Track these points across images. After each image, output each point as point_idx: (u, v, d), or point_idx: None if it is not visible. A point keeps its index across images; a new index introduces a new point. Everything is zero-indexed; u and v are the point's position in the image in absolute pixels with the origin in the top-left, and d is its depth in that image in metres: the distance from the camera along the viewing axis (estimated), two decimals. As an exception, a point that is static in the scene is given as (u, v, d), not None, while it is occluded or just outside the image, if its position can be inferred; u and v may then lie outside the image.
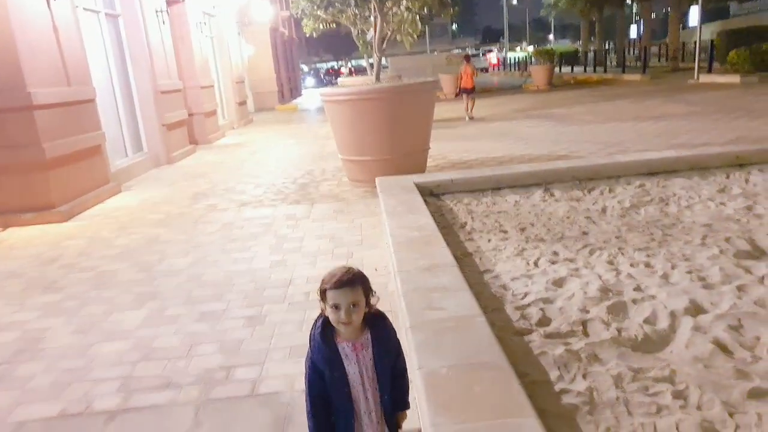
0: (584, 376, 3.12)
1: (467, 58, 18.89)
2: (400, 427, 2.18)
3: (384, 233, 5.75)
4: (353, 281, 1.91)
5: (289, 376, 3.35)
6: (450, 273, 4.03)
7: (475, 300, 3.60)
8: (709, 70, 25.10)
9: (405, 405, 2.15)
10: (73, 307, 4.75)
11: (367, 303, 1.97)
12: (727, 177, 7.18)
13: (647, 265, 4.60)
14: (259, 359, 3.61)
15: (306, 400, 2.03)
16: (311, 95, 40.63)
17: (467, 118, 17.70)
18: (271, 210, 7.71)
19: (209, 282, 5.09)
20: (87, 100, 9.10)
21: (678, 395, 2.85)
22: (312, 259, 5.52)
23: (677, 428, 2.58)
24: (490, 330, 3.19)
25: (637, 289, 4.15)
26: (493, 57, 65.18)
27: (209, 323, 4.21)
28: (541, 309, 3.94)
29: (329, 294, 1.91)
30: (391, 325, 2.08)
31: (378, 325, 2.03)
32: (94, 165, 9.17)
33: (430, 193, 7.28)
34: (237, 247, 6.12)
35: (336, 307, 1.90)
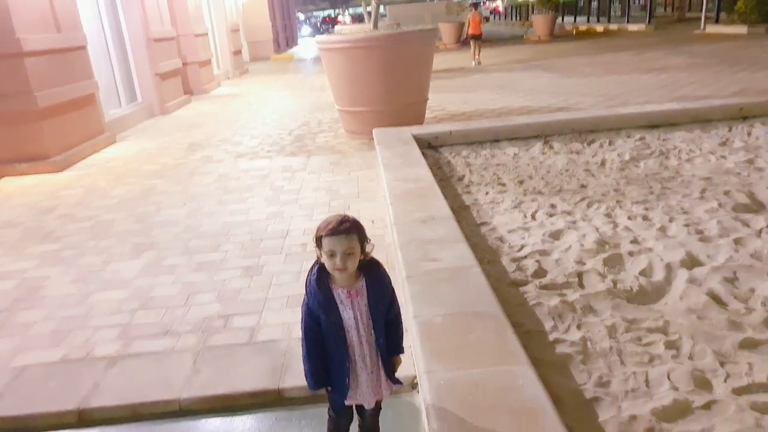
0: (578, 327, 3.16)
1: (475, 5, 19.52)
2: (395, 371, 2.22)
3: (381, 186, 5.72)
4: (348, 229, 1.90)
5: (286, 325, 3.38)
6: (446, 225, 4.02)
7: (471, 251, 3.61)
8: (716, 20, 24.54)
9: (399, 350, 2.18)
10: (71, 256, 4.76)
11: (362, 250, 1.97)
12: (730, 130, 7.12)
13: (645, 218, 4.61)
14: (257, 308, 3.63)
15: (302, 345, 2.06)
16: (307, 45, 39.81)
17: (474, 64, 18.08)
18: (267, 161, 7.65)
19: (206, 233, 5.09)
20: (78, 47, 8.88)
21: (671, 345, 2.89)
22: (308, 211, 5.51)
23: (669, 377, 2.63)
24: (485, 280, 3.22)
25: (634, 241, 4.16)
26: (499, 3, 63.91)
27: (207, 273, 4.23)
28: (537, 261, 3.96)
29: (324, 241, 1.91)
30: (385, 272, 2.09)
31: (373, 273, 2.04)
32: (88, 115, 9.03)
33: (428, 146, 7.22)
34: (233, 198, 6.10)
35: (331, 254, 1.90)
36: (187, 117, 12.04)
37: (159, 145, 9.21)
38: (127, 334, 3.44)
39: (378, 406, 2.25)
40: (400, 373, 2.79)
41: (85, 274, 4.39)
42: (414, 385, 2.82)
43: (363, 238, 1.97)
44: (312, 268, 2.02)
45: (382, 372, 2.12)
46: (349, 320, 2.01)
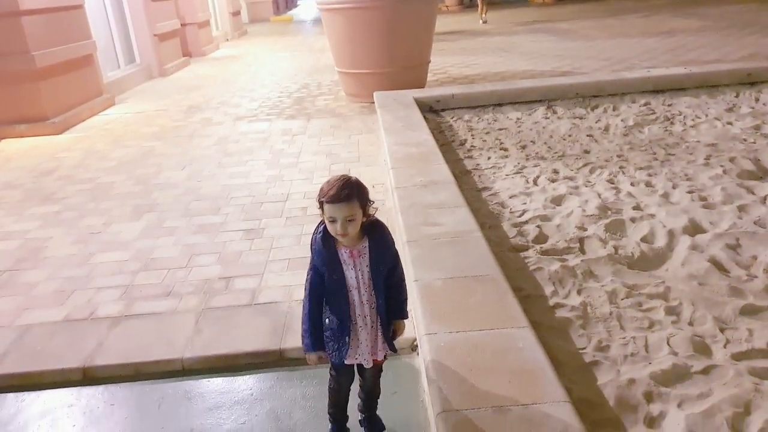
0: (579, 292, 3.17)
1: None
2: (396, 336, 2.22)
3: (382, 150, 5.68)
4: (349, 196, 1.87)
5: (287, 287, 3.39)
6: (448, 190, 4.00)
7: (472, 216, 3.60)
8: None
9: (402, 314, 2.18)
10: (72, 218, 4.75)
11: (365, 213, 1.95)
12: (737, 95, 7.02)
13: (648, 184, 4.58)
14: (258, 270, 3.64)
15: (304, 303, 2.06)
16: (308, 6, 39.03)
17: (481, 22, 18.52)
18: (267, 124, 7.57)
19: (206, 195, 5.07)
20: (75, 6, 8.70)
21: (671, 311, 2.91)
22: (308, 174, 5.47)
23: (668, 342, 2.64)
24: (486, 245, 3.21)
25: (637, 207, 4.14)
26: None
27: (207, 235, 4.23)
28: (539, 226, 3.95)
29: (326, 207, 1.89)
30: (389, 234, 2.08)
31: (376, 235, 2.02)
32: (86, 76, 8.90)
33: (429, 109, 7.14)
34: (233, 161, 6.06)
35: (332, 220, 1.89)
36: (185, 79, 11.89)
37: (158, 107, 9.11)
38: (129, 295, 3.46)
39: (379, 368, 2.26)
40: (401, 337, 2.81)
41: (86, 235, 4.39)
42: (414, 347, 2.84)
43: (365, 202, 1.94)
44: (318, 227, 2.02)
45: (380, 334, 2.13)
46: (351, 279, 2.02)
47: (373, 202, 1.99)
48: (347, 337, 2.06)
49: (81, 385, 2.79)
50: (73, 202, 5.11)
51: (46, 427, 2.54)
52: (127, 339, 3.02)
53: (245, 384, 2.71)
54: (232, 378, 2.75)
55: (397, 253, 2.13)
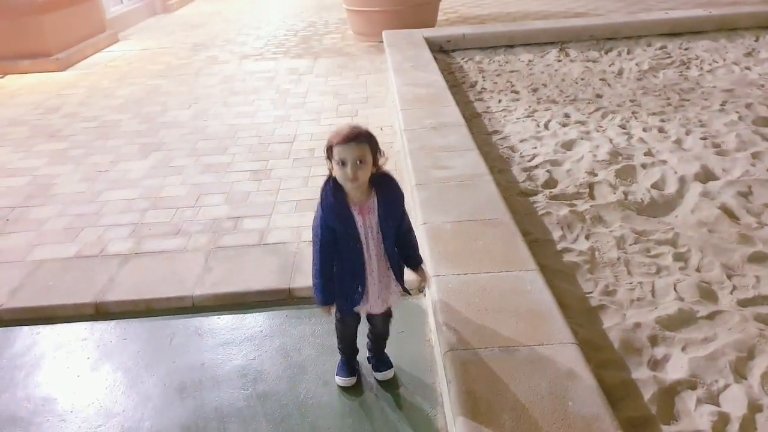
0: (587, 237, 3.17)
1: None
2: (425, 280, 2.20)
3: (390, 91, 5.57)
4: (360, 137, 1.83)
5: (295, 228, 3.40)
6: (458, 132, 3.95)
7: (482, 159, 3.57)
8: None
9: (417, 260, 2.17)
10: (80, 155, 4.73)
11: (375, 162, 1.90)
12: (756, 39, 6.81)
13: (661, 129, 4.51)
14: (266, 211, 3.64)
15: (314, 260, 2.04)
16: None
17: None
18: (273, 63, 7.42)
19: (213, 135, 5.02)
20: (74, -64, 8.40)
21: (679, 257, 2.91)
22: (316, 115, 5.40)
23: (675, 288, 2.66)
24: (495, 188, 3.19)
25: (648, 153, 4.09)
26: None
27: (215, 175, 4.21)
28: (548, 171, 3.92)
29: (335, 150, 1.84)
30: (398, 187, 2.02)
31: (384, 188, 1.97)
32: (89, 11, 8.69)
33: (439, 49, 6.97)
34: (239, 100, 5.97)
35: (342, 162, 1.84)
36: (189, 16, 11.59)
37: (162, 45, 8.92)
38: (138, 233, 3.48)
39: (388, 313, 2.25)
40: (407, 277, 2.80)
41: (94, 173, 4.38)
42: (421, 289, 2.87)
43: (375, 149, 1.89)
44: (325, 184, 1.96)
45: (392, 280, 2.11)
46: (361, 235, 1.98)
47: (384, 153, 1.93)
48: (360, 287, 2.05)
49: (93, 320, 2.84)
50: (80, 140, 5.08)
51: (61, 358, 2.61)
52: (138, 276, 3.06)
53: (255, 321, 2.75)
54: (241, 315, 2.79)
55: (404, 206, 2.07)
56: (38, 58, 7.53)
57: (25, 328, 2.81)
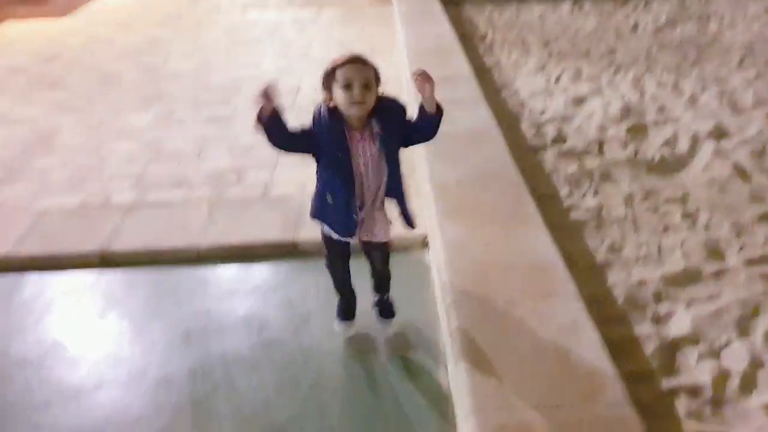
0: (595, 194, 3.13)
1: None
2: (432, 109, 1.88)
3: (398, 43, 5.44)
4: (365, 60, 1.76)
5: (300, 182, 3.36)
6: (467, 86, 3.87)
7: (491, 114, 3.50)
8: None
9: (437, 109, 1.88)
10: (81, 105, 4.67)
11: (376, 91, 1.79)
12: (777, -6, 6.59)
13: (675, 86, 4.41)
14: (270, 164, 3.60)
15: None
16: None
17: None
18: (276, 13, 7.25)
19: (215, 86, 4.94)
20: None
21: (687, 216, 2.88)
22: (320, 66, 5.24)
23: (682, 246, 2.64)
24: (504, 144, 3.14)
25: (661, 110, 4.01)
26: None
27: (218, 127, 4.16)
28: (558, 127, 3.86)
29: (339, 72, 1.72)
30: (398, 103, 1.87)
31: (387, 111, 1.82)
32: (87, -45, 8.46)
33: (449, 1, 6.77)
34: (242, 51, 5.85)
35: (347, 84, 1.71)
36: (192, -38, 11.26)
37: (164, -8, 8.71)
38: (141, 184, 3.46)
39: (386, 252, 2.16)
40: (408, 232, 2.67)
41: (95, 123, 4.33)
42: (425, 244, 2.85)
43: (378, 76, 1.79)
44: (318, 109, 1.83)
45: (383, 211, 2.00)
46: (355, 165, 1.86)
47: (381, 83, 1.81)
48: (354, 214, 1.93)
49: (100, 268, 2.85)
50: (81, 89, 5.01)
51: (69, 305, 2.63)
52: (142, 226, 3.05)
53: (259, 273, 2.76)
54: (246, 266, 2.79)
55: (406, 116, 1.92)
56: (37, 5, 7.38)
57: (33, 275, 2.83)
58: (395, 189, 1.98)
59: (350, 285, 2.32)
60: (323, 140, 1.84)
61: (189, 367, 2.25)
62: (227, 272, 2.78)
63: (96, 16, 7.47)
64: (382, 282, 2.32)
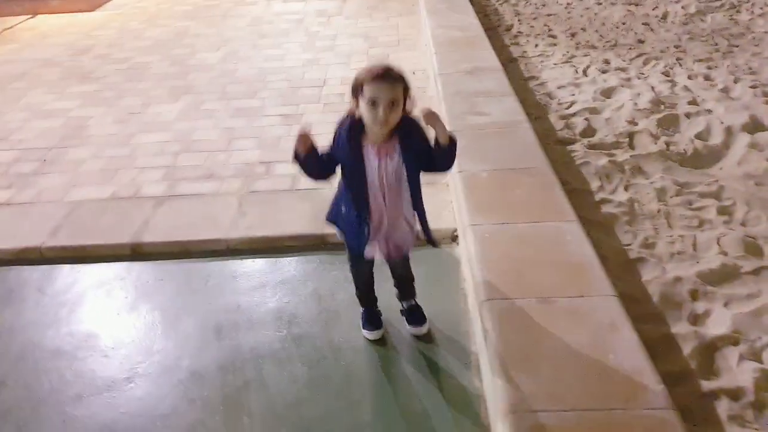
0: (626, 188, 3.08)
1: None
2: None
3: (423, 33, 5.40)
4: (395, 77, 1.70)
5: (327, 174, 3.37)
6: (495, 77, 3.83)
7: (520, 106, 3.46)
8: None
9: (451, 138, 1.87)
10: (111, 97, 4.73)
11: (404, 107, 1.76)
12: (813, -18, 6.39)
13: (707, 77, 4.31)
14: (298, 156, 3.61)
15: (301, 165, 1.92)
16: None
17: None
18: (301, 5, 7.24)
19: (242, 78, 4.96)
20: None
21: (723, 211, 2.82)
22: (345, 59, 5.27)
23: (718, 242, 2.58)
24: (534, 136, 3.11)
25: (693, 102, 3.93)
26: None
27: (246, 119, 4.17)
28: (587, 119, 3.80)
29: (367, 88, 1.69)
30: (423, 131, 1.86)
31: (410, 134, 1.82)
32: (114, -53, 8.53)
33: (474, -9, 6.70)
34: (268, 43, 5.86)
35: (373, 102, 1.68)
36: (216, -47, 11.29)
37: (189, -16, 8.75)
38: (171, 176, 3.49)
39: (405, 257, 2.17)
40: (439, 226, 2.72)
41: (125, 115, 4.38)
42: (454, 238, 2.84)
43: (407, 92, 1.75)
44: (343, 121, 1.83)
45: (408, 227, 2.01)
46: (373, 178, 1.87)
47: (414, 97, 1.79)
48: (366, 229, 1.95)
49: (131, 260, 2.89)
50: (111, 82, 5.07)
51: (101, 296, 2.67)
52: (173, 218, 3.08)
53: (289, 265, 2.77)
54: (275, 259, 2.81)
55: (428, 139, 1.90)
56: (67, -2, 7.48)
57: (66, 266, 2.88)
58: (416, 208, 1.98)
59: (373, 292, 2.31)
60: (341, 156, 1.86)
61: (220, 361, 2.26)
62: (256, 265, 2.80)
63: (126, 9, 7.55)
64: (405, 286, 2.30)
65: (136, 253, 2.92)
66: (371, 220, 1.95)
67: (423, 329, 2.27)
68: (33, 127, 4.29)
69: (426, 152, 1.86)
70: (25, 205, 3.31)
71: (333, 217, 2.10)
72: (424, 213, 2.01)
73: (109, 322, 2.52)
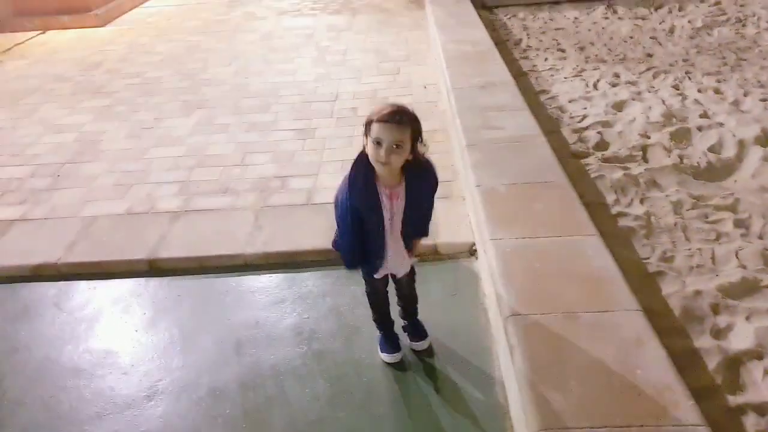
0: (642, 201, 3.08)
1: None
2: (414, 252, 2.16)
3: (433, 48, 5.44)
4: (402, 120, 1.71)
5: (341, 188, 3.38)
6: (508, 91, 3.84)
7: (534, 119, 3.47)
8: None
9: (424, 232, 2.11)
10: (124, 112, 4.76)
11: (413, 149, 1.79)
12: (820, -4, 6.43)
13: (717, 90, 4.32)
14: (312, 171, 3.63)
15: (341, 235, 2.03)
16: None
17: None
18: (312, 20, 7.30)
19: (255, 92, 4.99)
20: None
21: (740, 224, 2.82)
22: (356, 73, 5.30)
23: (737, 255, 2.58)
24: (549, 149, 3.11)
25: (704, 115, 3.93)
26: None
27: (260, 133, 4.19)
28: (599, 132, 3.81)
29: (374, 127, 1.71)
30: (435, 177, 1.93)
31: (419, 178, 1.88)
32: (124, -36, 8.63)
33: (481, 6, 6.75)
34: (279, 57, 5.90)
35: (377, 142, 1.71)
36: (223, -31, 11.41)
37: (199, 0, 8.83)
38: (186, 191, 3.50)
39: (411, 276, 2.24)
40: (456, 240, 2.80)
41: (139, 130, 4.41)
42: (472, 252, 2.84)
43: (417, 135, 1.77)
44: (355, 163, 1.85)
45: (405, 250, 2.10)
46: (386, 220, 1.93)
47: (425, 142, 1.82)
48: (380, 261, 2.04)
49: (148, 276, 2.89)
50: (123, 96, 5.10)
51: (119, 313, 2.67)
52: (189, 233, 3.09)
53: (307, 280, 2.77)
54: (293, 274, 2.81)
55: (433, 197, 2.01)
56: (78, 14, 7.54)
57: (83, 282, 2.88)
58: (421, 234, 2.11)
59: (389, 315, 2.34)
60: (357, 199, 1.88)
61: (241, 378, 2.26)
62: (274, 280, 2.80)
63: (136, 24, 7.62)
64: (409, 306, 2.35)
65: (153, 268, 2.92)
66: (384, 251, 2.03)
67: (425, 344, 2.32)
68: (46, 142, 4.32)
69: (424, 205, 1.98)
70: (40, 220, 3.32)
71: (352, 263, 2.13)
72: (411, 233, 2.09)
73: (128, 338, 2.52)
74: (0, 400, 2.25)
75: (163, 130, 4.37)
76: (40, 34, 7.38)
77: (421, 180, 1.88)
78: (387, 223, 1.93)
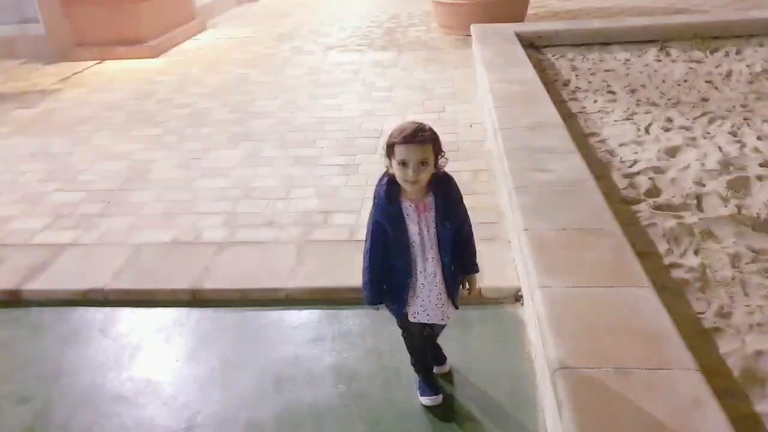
0: (696, 252, 2.96)
1: None
2: (471, 289, 2.14)
3: (480, 86, 5.44)
4: (424, 138, 1.75)
5: (385, 225, 3.36)
6: (558, 133, 3.79)
7: (584, 163, 3.40)
8: None
9: (474, 268, 2.09)
10: (173, 141, 4.89)
11: (435, 164, 1.82)
12: None
13: (777, 138, 4.17)
14: (355, 207, 3.63)
15: (365, 257, 2.00)
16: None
17: None
18: (358, 55, 7.42)
19: (301, 126, 5.06)
20: (171, -73, 8.69)
21: (804, 280, 2.67)
22: (402, 110, 5.34)
23: (802, 314, 2.44)
24: (601, 195, 3.03)
25: (764, 164, 3.79)
26: None
27: (305, 167, 4.23)
28: (651, 178, 3.70)
29: (397, 149, 1.75)
30: (457, 188, 1.94)
31: (443, 188, 1.89)
32: (181, 0, 9.00)
33: (530, 45, 6.74)
34: (325, 93, 6.00)
35: (403, 163, 1.75)
36: (274, 4, 11.79)
37: (248, 34, 9.11)
38: (232, 222, 3.54)
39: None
40: (502, 284, 2.72)
41: (187, 160, 4.51)
42: (518, 298, 2.77)
43: (438, 150, 1.81)
44: (381, 180, 1.89)
45: (445, 289, 2.03)
46: (414, 236, 1.91)
47: (445, 154, 1.85)
48: (405, 294, 2.00)
49: (190, 306, 2.91)
50: (173, 126, 5.24)
51: (161, 342, 2.68)
52: (233, 265, 3.11)
53: (347, 318, 2.74)
54: (334, 311, 2.78)
55: (465, 209, 2.00)
56: (133, 45, 7.86)
57: (127, 309, 2.92)
58: (446, 266, 2.00)
59: (428, 357, 2.30)
60: (382, 218, 1.91)
61: (279, 415, 2.23)
62: (314, 316, 2.78)
63: (187, 56, 7.89)
64: (432, 343, 2.33)
65: (196, 299, 2.94)
66: (413, 280, 1.99)
67: (445, 367, 2.37)
68: (98, 168, 4.45)
69: (455, 215, 1.95)
70: (90, 246, 3.40)
71: (374, 298, 2.07)
72: (453, 277, 2.04)
73: (169, 368, 2.53)
74: (46, 424, 2.27)
75: (210, 160, 4.46)
76: (98, 63, 7.71)
77: (447, 189, 1.91)
78: (416, 237, 1.92)
